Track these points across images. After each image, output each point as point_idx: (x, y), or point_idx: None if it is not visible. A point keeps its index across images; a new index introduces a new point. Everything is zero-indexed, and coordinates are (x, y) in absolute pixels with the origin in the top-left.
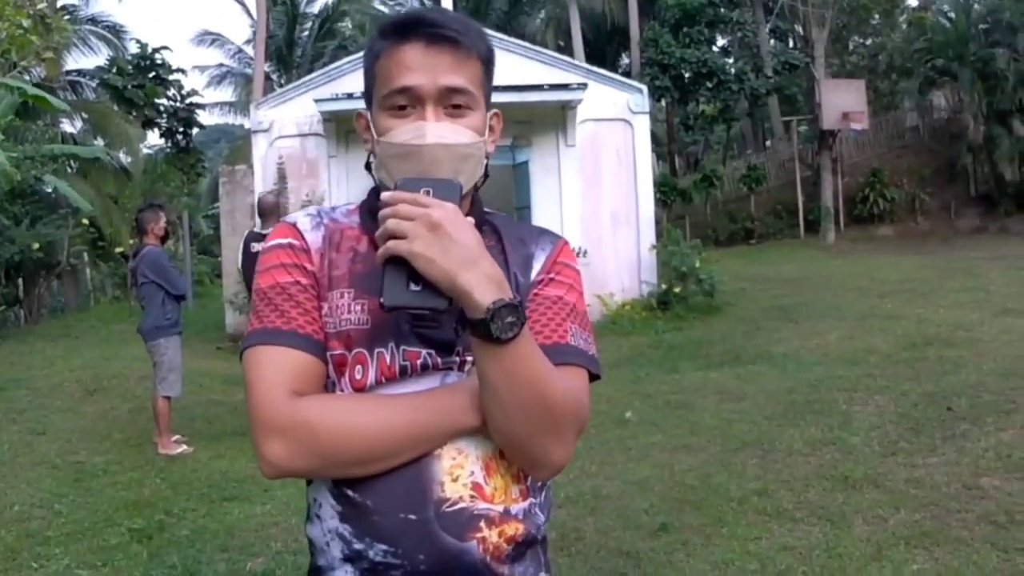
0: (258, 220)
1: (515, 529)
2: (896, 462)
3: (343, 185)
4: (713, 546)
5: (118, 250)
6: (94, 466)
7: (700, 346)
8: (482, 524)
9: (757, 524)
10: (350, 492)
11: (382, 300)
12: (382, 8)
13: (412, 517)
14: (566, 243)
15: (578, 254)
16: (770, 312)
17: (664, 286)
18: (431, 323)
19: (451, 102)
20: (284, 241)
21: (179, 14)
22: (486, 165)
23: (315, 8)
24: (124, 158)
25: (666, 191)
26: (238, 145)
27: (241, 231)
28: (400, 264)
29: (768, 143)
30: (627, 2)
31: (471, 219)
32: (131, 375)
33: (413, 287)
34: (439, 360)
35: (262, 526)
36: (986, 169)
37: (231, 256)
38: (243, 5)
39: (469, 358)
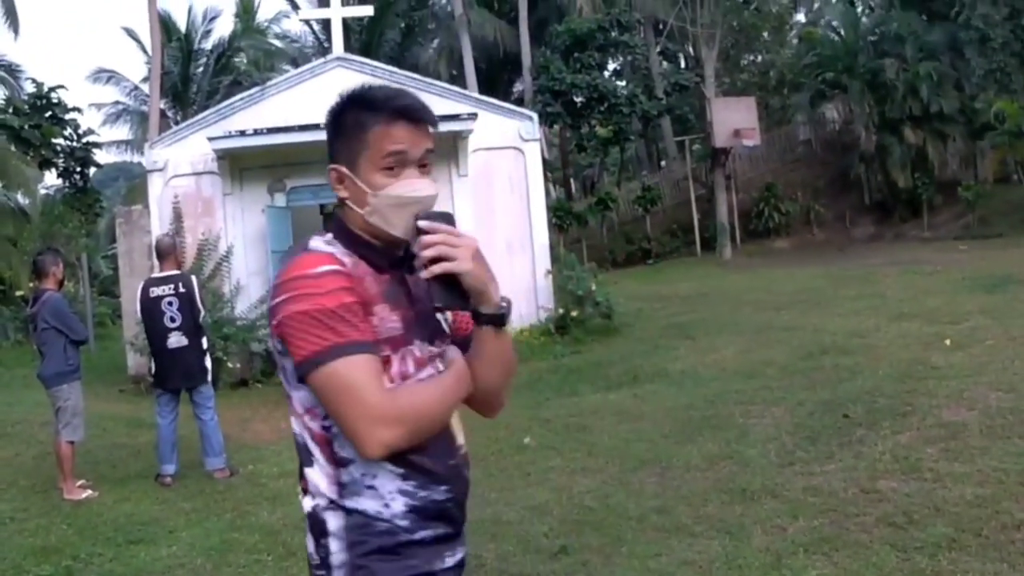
0: (155, 263)
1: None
2: (794, 471)
3: (238, 222)
4: (613, 565)
5: (18, 293)
6: (0, 514)
7: (598, 368)
8: (468, 457)
9: (656, 541)
10: (413, 456)
11: (437, 304)
12: (276, 43)
13: (452, 462)
14: None
15: None
16: (668, 330)
17: (561, 310)
18: (428, 326)
19: (423, 162)
20: (334, 268)
21: (74, 51)
22: None
23: (209, 44)
24: (22, 200)
25: (562, 216)
26: (136, 184)
27: (139, 272)
28: (442, 277)
29: (662, 163)
30: (519, 30)
31: None
32: (35, 421)
33: (452, 293)
34: (433, 351)
35: (168, 568)
36: (879, 178)
37: (131, 297)
38: (138, 42)
39: (443, 347)
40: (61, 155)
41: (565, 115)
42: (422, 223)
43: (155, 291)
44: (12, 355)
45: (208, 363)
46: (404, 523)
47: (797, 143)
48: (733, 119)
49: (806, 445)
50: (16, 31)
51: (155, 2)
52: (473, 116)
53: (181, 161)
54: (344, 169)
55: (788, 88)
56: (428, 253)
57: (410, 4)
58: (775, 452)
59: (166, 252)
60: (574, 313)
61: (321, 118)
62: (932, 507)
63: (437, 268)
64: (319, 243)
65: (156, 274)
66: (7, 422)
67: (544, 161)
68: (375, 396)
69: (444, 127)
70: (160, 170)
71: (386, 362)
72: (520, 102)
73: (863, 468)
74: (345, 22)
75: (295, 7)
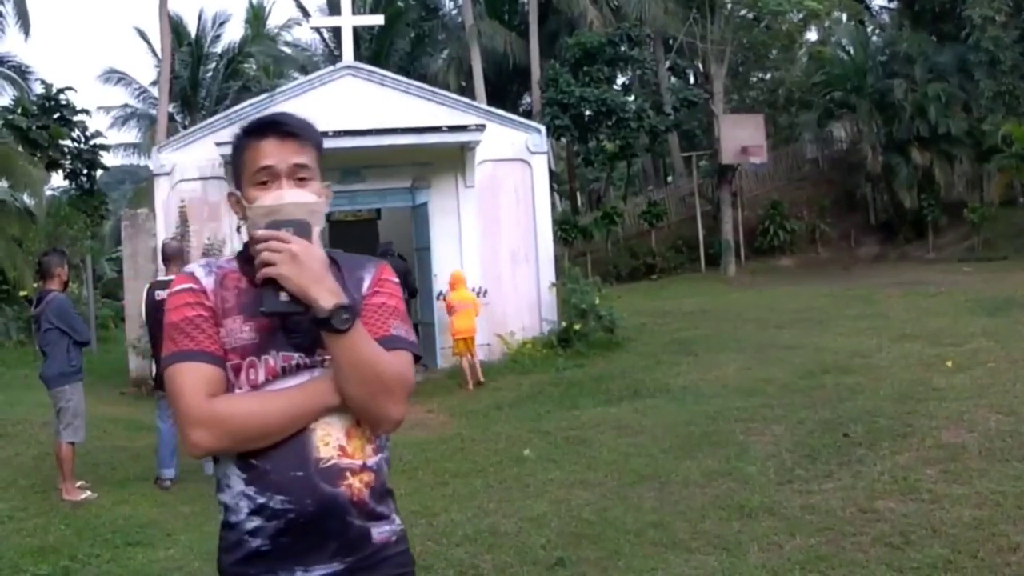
0: (161, 266)
1: (371, 476)
2: (792, 489)
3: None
4: None
5: (22, 293)
6: None
7: (600, 382)
8: (348, 474)
9: (653, 556)
10: (253, 461)
11: (261, 309)
12: (286, 50)
13: (299, 474)
14: (386, 265)
15: (478, 294)
16: (670, 346)
17: (564, 323)
18: (299, 334)
19: (297, 175)
20: (186, 286)
21: (85, 52)
22: (325, 217)
23: (219, 49)
24: (28, 200)
25: (567, 229)
26: (142, 187)
27: (144, 275)
28: (272, 283)
29: (669, 179)
30: (528, 42)
31: (320, 249)
32: (35, 421)
33: (283, 298)
34: (307, 360)
35: (166, 571)
36: (885, 198)
37: (134, 300)
38: (148, 43)
39: (328, 357)
40: (68, 157)
41: (573, 128)
42: (260, 232)
43: (160, 294)
44: (14, 355)
45: None
46: (248, 526)
47: (804, 161)
48: (741, 136)
49: (805, 463)
50: (27, 32)
51: (166, 5)
52: (481, 127)
53: (188, 165)
54: (237, 192)
55: (796, 106)
56: (257, 260)
57: (420, 14)
58: (774, 470)
59: (172, 256)
60: (577, 326)
61: (331, 126)
62: (929, 528)
63: (260, 273)
64: (194, 264)
65: (162, 277)
66: (8, 422)
67: (551, 174)
68: (189, 399)
69: (452, 138)
70: (167, 174)
71: (237, 369)
72: (528, 114)
73: (861, 488)
74: (355, 30)
75: (306, 14)
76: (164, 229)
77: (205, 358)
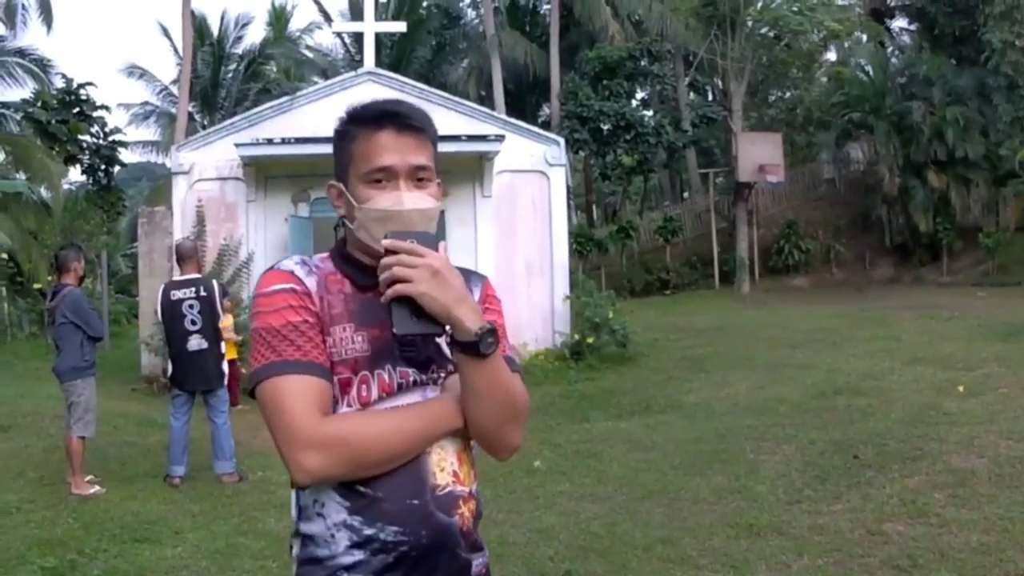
0: (175, 266)
1: (475, 504)
2: (801, 509)
3: (261, 230)
4: None
5: (36, 286)
6: (7, 504)
7: (611, 396)
8: (460, 502)
9: (661, 571)
10: (362, 488)
11: (394, 330)
12: (307, 53)
13: (415, 502)
14: (489, 280)
15: None
16: (682, 362)
17: (577, 336)
18: (412, 348)
19: (417, 176)
20: (287, 286)
21: (106, 48)
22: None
23: (240, 50)
24: (45, 194)
25: (582, 242)
26: (159, 185)
27: (159, 273)
28: (403, 301)
29: (685, 195)
30: (549, 54)
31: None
32: (46, 413)
33: (414, 318)
34: (422, 377)
35: (172, 568)
36: (901, 220)
37: (149, 297)
38: (171, 41)
39: (442, 374)
40: (86, 152)
41: (591, 142)
42: (386, 241)
43: (176, 294)
44: (26, 347)
45: (225, 367)
46: (346, 560)
47: (820, 181)
48: (758, 154)
49: (815, 484)
50: (49, 25)
51: (189, 3)
52: (500, 138)
53: (207, 165)
54: (340, 185)
55: (814, 126)
56: (383, 275)
57: (442, 22)
58: (783, 489)
59: (187, 255)
60: (590, 340)
61: None
62: (937, 552)
63: (389, 291)
64: (288, 261)
65: (177, 277)
66: (18, 413)
67: (567, 186)
68: (300, 418)
69: (471, 147)
70: (185, 173)
71: (346, 385)
72: (547, 126)
73: (870, 510)
74: (377, 37)
75: (328, 19)
76: (181, 228)
77: (315, 371)
